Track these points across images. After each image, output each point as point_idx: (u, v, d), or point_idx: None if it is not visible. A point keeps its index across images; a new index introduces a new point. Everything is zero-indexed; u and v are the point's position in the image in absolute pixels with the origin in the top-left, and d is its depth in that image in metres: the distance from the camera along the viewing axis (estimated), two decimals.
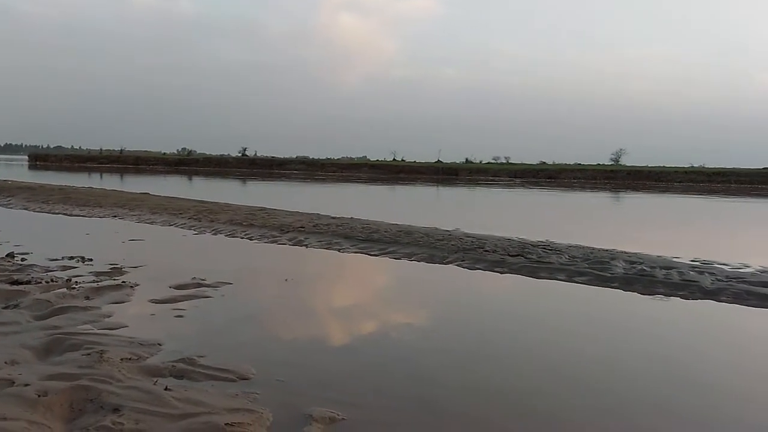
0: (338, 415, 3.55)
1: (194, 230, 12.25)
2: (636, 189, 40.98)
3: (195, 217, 14.05)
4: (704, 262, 9.13)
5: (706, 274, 8.11)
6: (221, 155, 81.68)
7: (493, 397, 4.01)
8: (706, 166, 60.05)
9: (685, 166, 60.40)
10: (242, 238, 11.35)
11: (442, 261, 9.26)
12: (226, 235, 11.62)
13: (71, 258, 8.34)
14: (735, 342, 5.73)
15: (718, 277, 7.94)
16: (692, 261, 9.19)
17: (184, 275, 7.38)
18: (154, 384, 3.88)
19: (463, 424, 3.56)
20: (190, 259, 9.04)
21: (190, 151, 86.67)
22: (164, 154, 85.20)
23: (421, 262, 9.19)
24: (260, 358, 4.55)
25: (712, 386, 4.37)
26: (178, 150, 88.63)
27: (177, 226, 12.90)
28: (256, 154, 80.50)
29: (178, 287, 6.81)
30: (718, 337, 5.88)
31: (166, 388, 3.80)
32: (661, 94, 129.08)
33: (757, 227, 18.72)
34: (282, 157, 76.86)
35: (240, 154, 79.93)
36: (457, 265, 8.97)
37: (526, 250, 9.79)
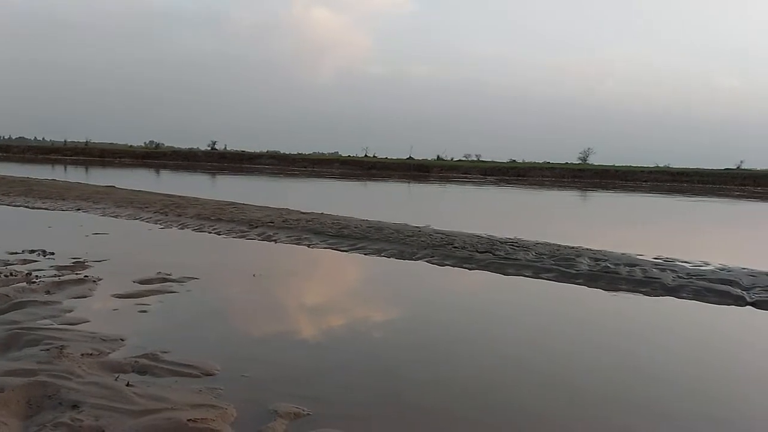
0: (303, 410, 3.54)
1: (161, 224, 12.06)
2: (603, 188, 41.70)
3: (162, 211, 13.83)
4: (667, 260, 9.35)
5: (668, 272, 8.31)
6: (190, 149, 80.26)
7: (459, 392, 4.05)
8: (671, 166, 61.38)
9: (651, 165, 61.64)
10: (210, 232, 11.21)
11: (412, 257, 9.29)
12: (193, 230, 11.46)
13: (32, 251, 8.12)
14: (692, 337, 5.89)
15: (680, 275, 8.15)
16: (655, 258, 9.41)
17: (149, 270, 7.25)
18: (116, 380, 3.82)
19: (429, 418, 3.59)
20: (155, 254, 8.89)
21: (158, 144, 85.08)
22: (131, 146, 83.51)
23: (391, 258, 9.21)
24: (226, 354, 4.51)
25: (670, 380, 4.48)
26: (145, 143, 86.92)
27: (143, 220, 12.67)
28: (225, 148, 79.45)
29: (143, 282, 6.70)
30: (677, 333, 6.02)
31: (127, 384, 3.74)
32: (628, 94, 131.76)
33: (717, 226, 19.24)
34: (252, 151, 76.05)
35: (209, 148, 78.77)
36: (427, 261, 9.01)
37: (495, 246, 9.90)
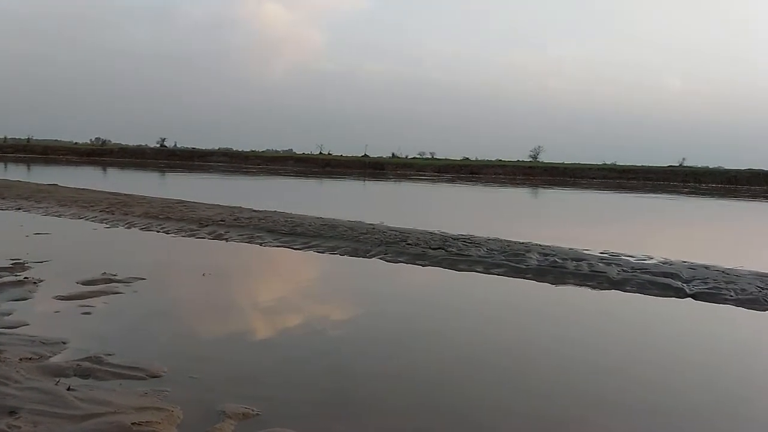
0: (252, 410, 3.49)
1: (106, 223, 11.69)
2: (556, 185, 42.71)
3: (107, 209, 13.41)
4: (612, 254, 9.65)
5: (614, 266, 8.57)
6: (138, 146, 78.18)
7: (411, 387, 4.07)
8: (618, 164, 63.33)
9: (599, 163, 63.43)
10: (158, 231, 10.93)
11: (366, 254, 9.29)
12: (140, 229, 11.16)
13: None
14: (634, 328, 6.09)
15: (624, 268, 8.41)
16: (602, 253, 9.69)
17: (94, 270, 7.03)
18: (56, 384, 3.68)
19: (379, 414, 3.60)
20: (100, 254, 8.61)
21: (105, 141, 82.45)
22: (76, 143, 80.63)
23: (345, 256, 9.19)
24: (173, 355, 4.41)
25: (613, 368, 4.63)
26: (91, 140, 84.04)
27: (87, 219, 12.26)
28: (175, 145, 77.68)
29: (87, 283, 6.49)
30: (620, 325, 6.22)
31: (68, 388, 3.61)
32: (575, 93, 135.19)
33: (661, 221, 19.96)
34: (203, 148, 74.59)
35: (158, 145, 76.84)
36: (380, 258, 9.04)
37: (447, 243, 10.00)
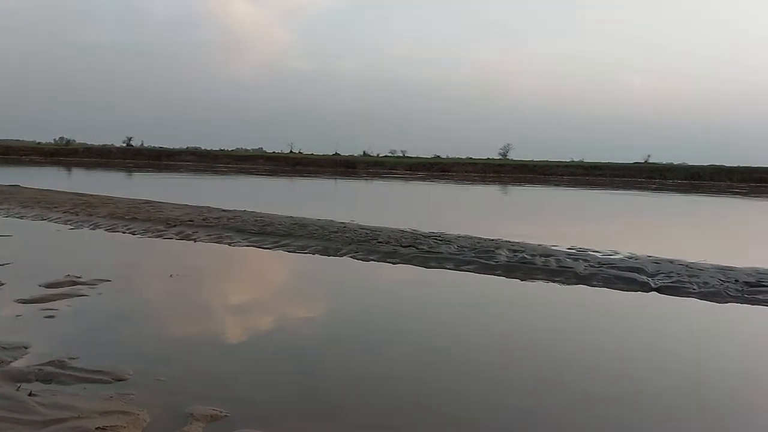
0: (221, 412, 3.45)
1: (70, 225, 11.42)
2: (527, 182, 43.20)
3: (72, 210, 13.11)
4: (580, 250, 9.80)
5: (581, 261, 8.71)
6: (104, 145, 76.52)
7: (381, 385, 4.08)
8: (585, 161, 64.41)
9: (567, 160, 64.45)
10: (124, 232, 10.73)
11: (337, 253, 9.27)
12: (106, 230, 10.93)
13: None
14: (600, 323, 6.20)
15: (591, 264, 8.56)
16: (569, 249, 9.84)
17: (57, 273, 6.86)
18: (17, 390, 3.59)
19: (351, 413, 3.59)
20: (64, 256, 8.42)
21: (69, 140, 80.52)
22: (39, 143, 78.55)
23: (315, 255, 9.15)
24: (139, 358, 4.33)
25: (578, 362, 4.70)
26: (55, 139, 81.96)
27: (51, 220, 11.97)
28: (142, 144, 76.40)
29: (50, 285, 6.33)
30: (586, 319, 6.33)
31: (30, 394, 3.52)
32: (543, 91, 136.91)
33: (627, 216, 20.35)
34: (171, 147, 73.39)
35: (125, 145, 75.46)
36: (351, 257, 9.02)
37: (418, 240, 10.04)
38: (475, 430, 3.47)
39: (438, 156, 72.74)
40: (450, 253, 9.11)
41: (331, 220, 12.27)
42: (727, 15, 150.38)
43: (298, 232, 10.73)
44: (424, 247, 9.50)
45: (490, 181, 43.76)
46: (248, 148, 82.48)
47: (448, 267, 8.40)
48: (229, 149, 75.74)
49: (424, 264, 8.58)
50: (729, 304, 6.78)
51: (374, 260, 8.82)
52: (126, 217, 12.28)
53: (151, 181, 32.80)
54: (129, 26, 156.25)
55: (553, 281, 7.69)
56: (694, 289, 7.26)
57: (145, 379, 3.92)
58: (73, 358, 4.20)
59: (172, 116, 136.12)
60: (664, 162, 63.49)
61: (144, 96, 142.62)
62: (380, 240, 10.02)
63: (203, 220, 11.91)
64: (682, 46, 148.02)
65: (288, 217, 12.61)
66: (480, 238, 10.39)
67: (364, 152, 74.48)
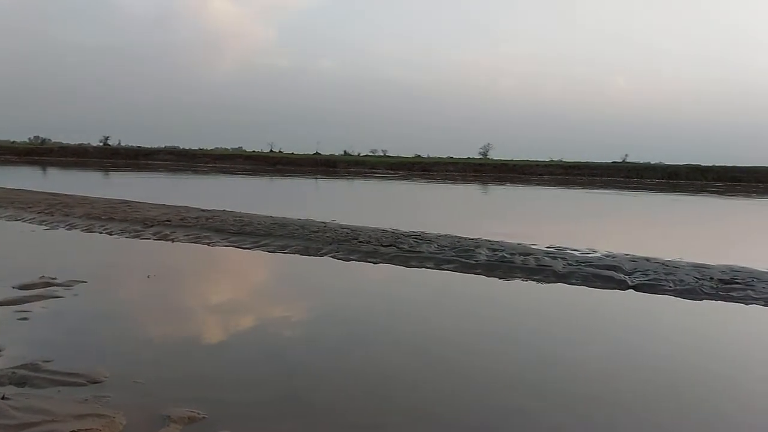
0: (199, 413, 3.42)
1: (45, 225, 11.23)
2: (504, 181, 43.47)
3: (47, 211, 12.88)
4: (558, 249, 9.89)
5: (559, 259, 8.79)
6: (80, 144, 75.39)
7: (361, 385, 4.07)
8: (564, 160, 65.04)
9: (546, 159, 65.02)
10: (101, 233, 10.57)
11: (317, 253, 9.23)
12: (82, 230, 10.76)
13: None
14: (578, 320, 6.25)
15: (569, 262, 8.64)
16: (548, 247, 9.93)
17: (32, 274, 6.73)
18: None
19: (331, 413, 3.57)
20: (39, 257, 8.27)
21: (45, 139, 79.22)
22: (13, 142, 77.11)
23: (296, 254, 9.11)
24: (116, 360, 4.27)
25: (558, 361, 4.74)
26: (30, 138, 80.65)
27: (25, 221, 11.75)
28: (120, 143, 75.50)
29: (24, 287, 6.21)
30: (565, 317, 6.38)
31: (3, 397, 3.45)
32: (523, 91, 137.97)
33: (606, 215, 20.59)
34: (149, 147, 72.56)
35: (102, 144, 74.44)
36: (332, 257, 8.99)
37: (399, 240, 10.04)
38: (457, 427, 3.48)
39: (419, 155, 72.94)
40: (430, 252, 9.13)
41: (312, 220, 12.23)
42: (711, 15, 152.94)
43: (278, 231, 10.67)
44: (405, 247, 9.51)
45: (471, 181, 43.97)
46: (228, 147, 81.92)
47: (428, 266, 8.41)
48: (209, 148, 75.14)
49: (405, 263, 8.58)
50: (704, 301, 6.89)
51: (355, 260, 8.80)
52: (103, 217, 12.11)
53: (129, 180, 32.38)
54: (106, 24, 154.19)
55: (532, 279, 7.74)
56: (670, 287, 7.37)
57: (122, 381, 3.86)
58: (48, 361, 4.13)
59: (151, 115, 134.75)
60: (642, 161, 64.40)
61: (122, 95, 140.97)
62: (361, 239, 10.01)
63: (181, 220, 11.78)
64: (661, 46, 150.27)
65: (268, 216, 12.54)
66: (460, 237, 10.44)
67: (345, 151, 74.44)
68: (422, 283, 7.68)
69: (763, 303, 6.79)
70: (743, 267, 8.45)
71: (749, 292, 7.16)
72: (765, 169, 51.78)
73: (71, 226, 11.13)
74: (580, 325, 6.02)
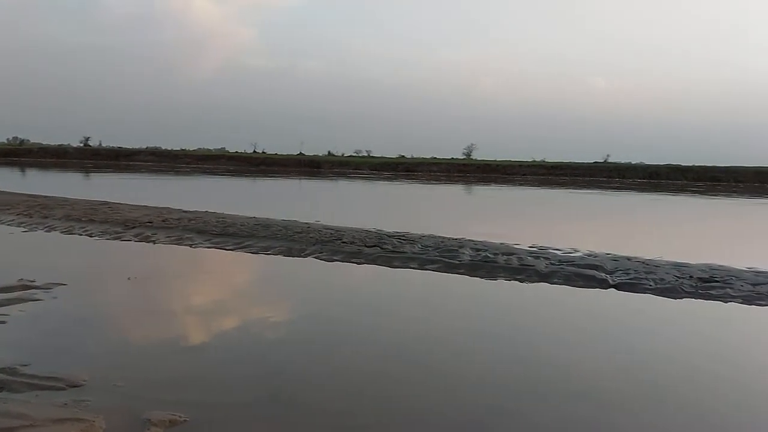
0: (180, 417, 3.38)
1: (24, 227, 11.06)
2: (488, 182, 43.67)
3: (25, 212, 12.69)
4: (541, 248, 9.96)
5: (542, 259, 8.85)
6: (60, 145, 74.30)
7: (346, 387, 4.06)
8: (546, 160, 65.51)
9: (528, 160, 65.39)
10: (81, 234, 10.43)
11: (301, 254, 9.20)
12: (61, 232, 10.61)
13: None
14: (560, 319, 6.30)
15: (552, 262, 8.70)
16: (531, 247, 9.99)
17: (9, 277, 6.62)
18: None
19: (316, 415, 3.56)
20: (17, 259, 8.14)
21: (23, 140, 78.01)
22: None
23: (279, 256, 9.06)
24: (95, 363, 4.22)
25: (539, 360, 4.77)
26: (8, 139, 79.33)
27: (3, 223, 11.56)
28: (100, 144, 74.60)
29: (2, 290, 6.10)
30: (546, 316, 6.42)
31: None
32: (505, 92, 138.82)
33: (588, 215, 20.78)
34: (131, 147, 71.79)
35: (82, 144, 73.50)
36: (315, 258, 8.96)
37: (383, 240, 10.04)
38: (442, 426, 3.48)
39: (403, 156, 72.97)
40: (414, 253, 9.14)
41: (295, 221, 12.18)
42: (691, 15, 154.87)
43: (261, 232, 10.62)
44: (389, 247, 9.51)
45: (455, 181, 44.11)
46: (210, 148, 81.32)
47: (412, 266, 8.42)
48: (191, 149, 74.46)
49: (389, 264, 8.58)
50: (684, 299, 6.98)
51: (339, 260, 8.78)
52: (83, 219, 11.95)
53: (110, 181, 32.01)
54: (86, 22, 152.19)
55: (515, 279, 7.78)
56: (650, 286, 7.45)
57: (101, 385, 3.81)
58: (25, 365, 4.07)
59: (132, 115, 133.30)
60: (623, 161, 65.06)
61: (102, 95, 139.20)
62: (345, 240, 9.99)
63: (163, 221, 11.67)
64: (642, 46, 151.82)
65: (251, 217, 12.47)
66: (444, 238, 10.47)
67: (329, 152, 74.33)
68: (406, 284, 7.69)
69: (741, 300, 6.90)
70: (722, 265, 8.58)
71: (728, 290, 7.26)
72: (743, 169, 52.65)
73: (50, 228, 10.97)
74: (563, 324, 6.06)
